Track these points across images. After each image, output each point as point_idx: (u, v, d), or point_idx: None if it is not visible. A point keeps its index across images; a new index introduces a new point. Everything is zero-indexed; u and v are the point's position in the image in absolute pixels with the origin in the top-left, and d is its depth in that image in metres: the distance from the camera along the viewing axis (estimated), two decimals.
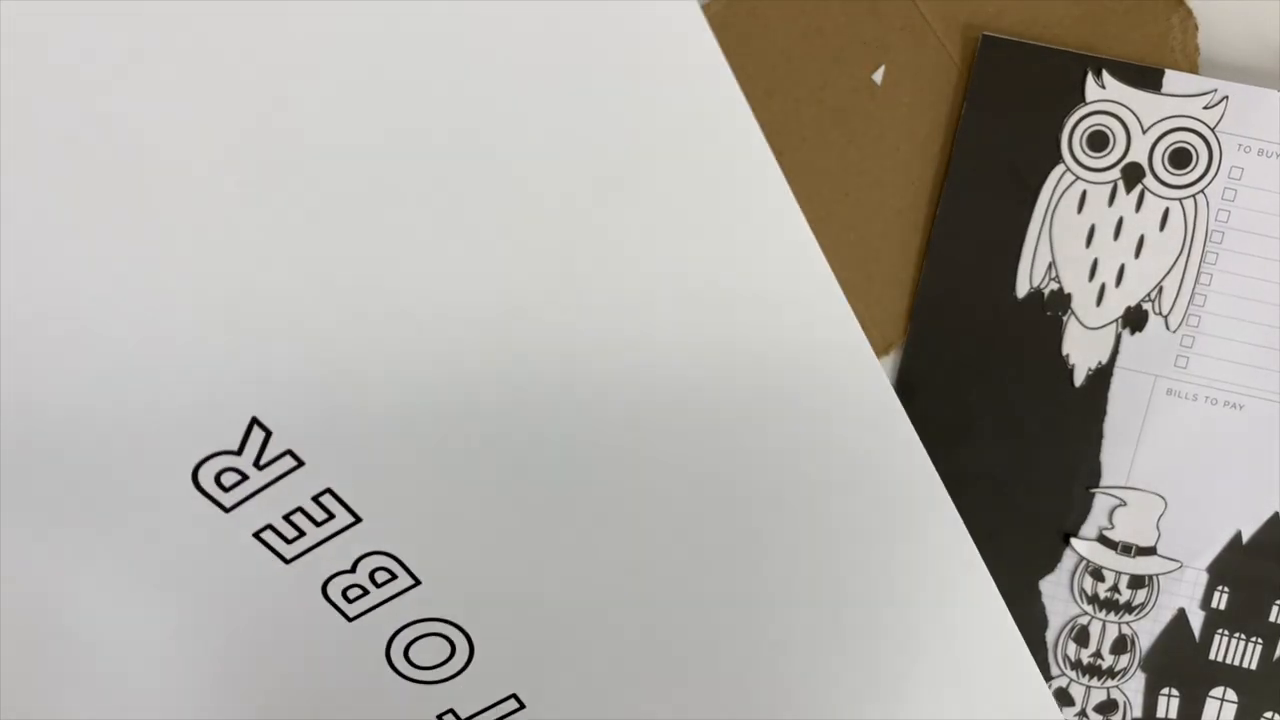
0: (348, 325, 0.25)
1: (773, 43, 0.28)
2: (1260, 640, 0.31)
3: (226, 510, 0.27)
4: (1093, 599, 0.31)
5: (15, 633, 0.28)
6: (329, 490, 0.27)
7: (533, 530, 0.28)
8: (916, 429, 0.28)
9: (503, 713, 0.30)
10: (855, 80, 0.29)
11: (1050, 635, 0.32)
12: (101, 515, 0.27)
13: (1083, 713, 0.32)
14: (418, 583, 0.28)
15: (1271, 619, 0.31)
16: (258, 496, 0.27)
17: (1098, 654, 0.32)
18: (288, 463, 0.26)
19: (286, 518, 0.27)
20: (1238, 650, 0.31)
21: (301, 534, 0.27)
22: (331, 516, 0.27)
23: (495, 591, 0.28)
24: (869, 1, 0.28)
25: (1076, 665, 0.32)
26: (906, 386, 0.30)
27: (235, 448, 0.26)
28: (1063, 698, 0.32)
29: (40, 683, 0.28)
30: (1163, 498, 0.30)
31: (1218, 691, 0.32)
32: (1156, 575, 0.31)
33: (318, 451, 0.26)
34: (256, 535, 0.27)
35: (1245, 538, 0.31)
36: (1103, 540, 0.31)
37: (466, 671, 0.29)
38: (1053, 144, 0.29)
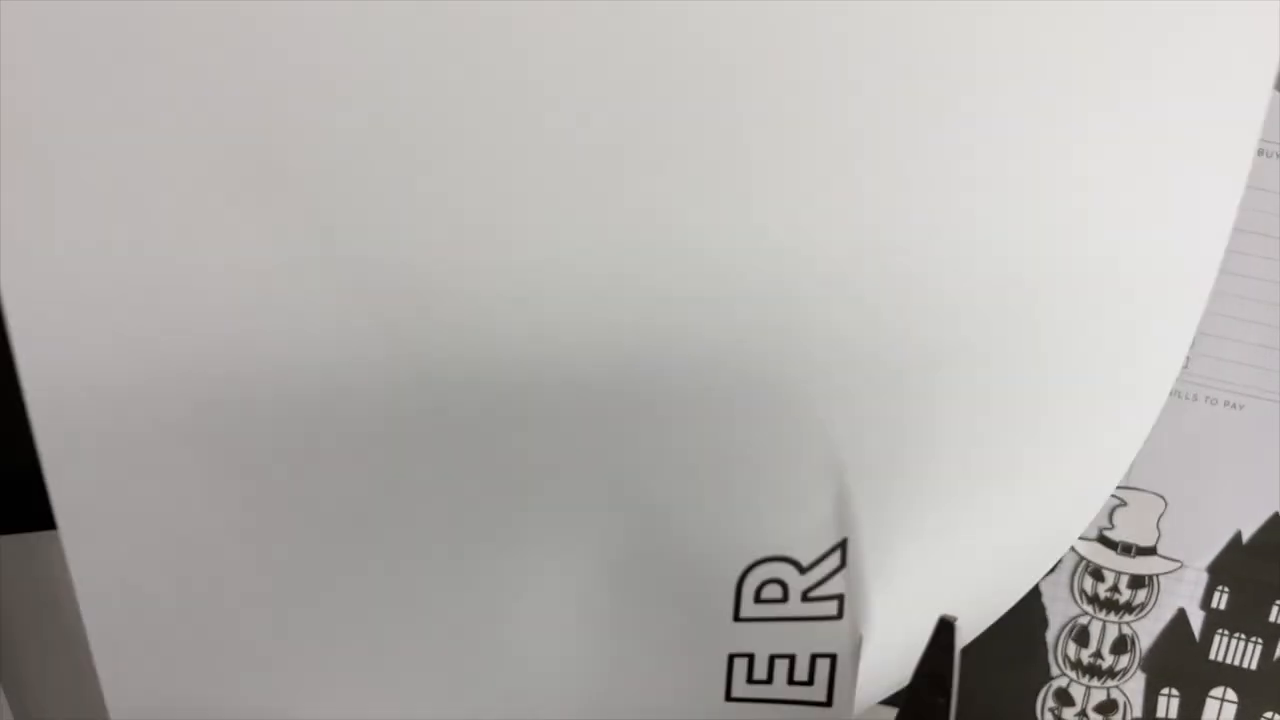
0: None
1: None
2: (1260, 640, 0.31)
3: (736, 620, 0.25)
4: (1093, 599, 0.31)
5: None
6: (832, 656, 0.26)
7: None
8: None
9: None
10: None
11: (1050, 635, 0.32)
12: None
13: (1083, 713, 0.32)
14: None
15: (1271, 619, 0.31)
16: (776, 625, 0.25)
17: (1098, 654, 0.32)
18: (830, 609, 0.25)
19: None
20: (1238, 650, 0.31)
21: None
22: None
23: None
24: None
25: (1076, 665, 0.32)
26: None
27: (805, 563, 0.25)
28: (1063, 698, 0.32)
29: None
30: (1163, 498, 0.30)
31: (1218, 691, 0.32)
32: (1157, 575, 0.31)
33: None
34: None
35: (1245, 538, 0.31)
36: (1103, 540, 0.31)
37: None
38: None
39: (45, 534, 0.26)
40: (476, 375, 0.22)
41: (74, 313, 0.20)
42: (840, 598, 0.25)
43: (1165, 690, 0.32)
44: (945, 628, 0.22)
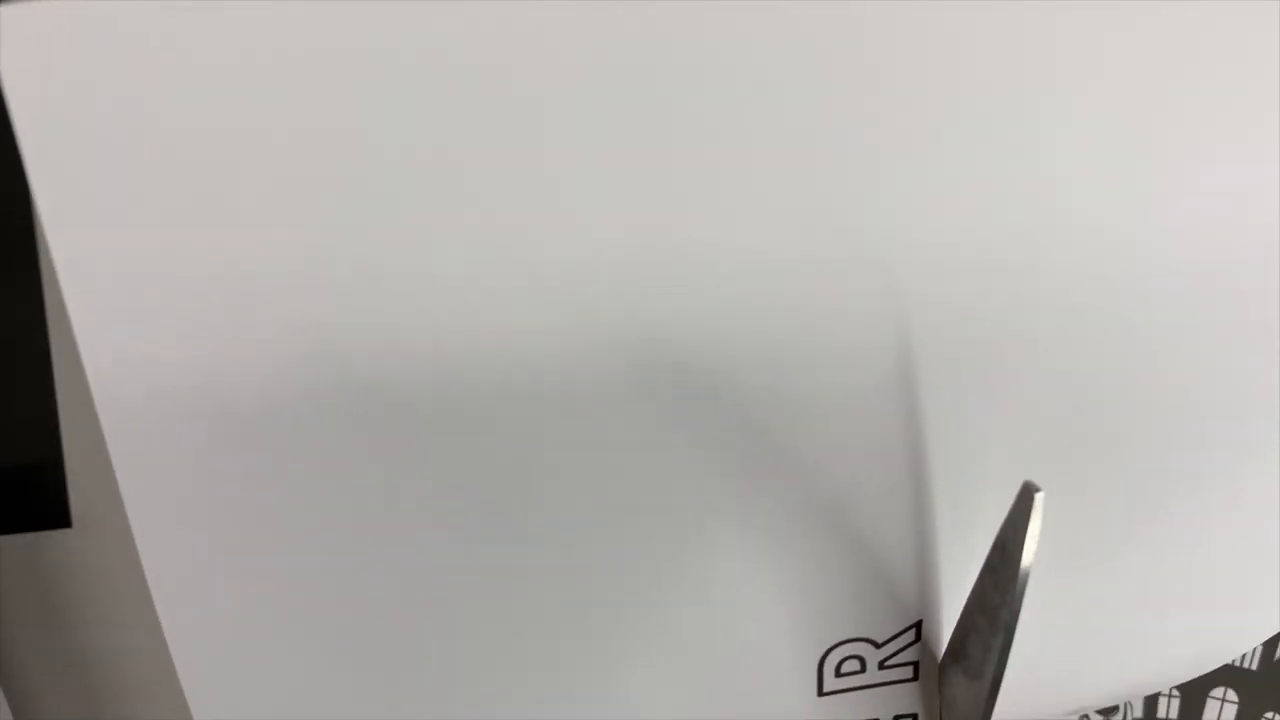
0: None
1: None
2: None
3: (820, 695, 0.24)
4: None
5: None
6: (914, 715, 0.25)
7: None
8: None
9: None
10: None
11: None
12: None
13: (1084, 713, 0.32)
14: None
15: None
16: (857, 693, 0.24)
17: None
18: (906, 673, 0.24)
19: None
20: None
21: None
22: None
23: None
24: None
25: None
26: None
27: (880, 640, 0.24)
28: None
29: None
30: None
31: (1218, 692, 0.32)
32: None
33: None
34: None
35: None
36: None
37: None
38: None
39: (45, 534, 0.26)
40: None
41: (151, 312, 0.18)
42: (915, 664, 0.24)
43: (1166, 691, 0.32)
44: (1025, 495, 0.20)
